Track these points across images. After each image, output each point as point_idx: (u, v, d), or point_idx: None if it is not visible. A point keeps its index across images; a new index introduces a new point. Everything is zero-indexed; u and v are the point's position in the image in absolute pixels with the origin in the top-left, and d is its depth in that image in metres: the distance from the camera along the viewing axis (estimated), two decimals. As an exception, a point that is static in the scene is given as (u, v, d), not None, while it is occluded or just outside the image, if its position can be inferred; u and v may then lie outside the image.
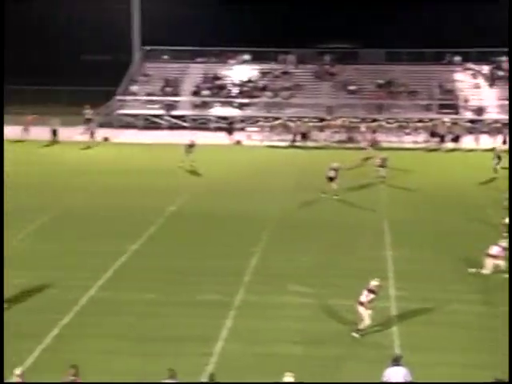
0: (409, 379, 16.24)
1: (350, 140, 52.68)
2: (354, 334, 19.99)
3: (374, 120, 55.21)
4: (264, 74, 63.85)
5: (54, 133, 52.22)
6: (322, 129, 53.52)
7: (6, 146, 48.98)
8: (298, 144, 51.51)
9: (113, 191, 37.00)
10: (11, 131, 52.89)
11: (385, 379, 16.25)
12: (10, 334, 19.88)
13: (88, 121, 56.58)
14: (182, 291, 23.33)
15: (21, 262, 25.69)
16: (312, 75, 63.41)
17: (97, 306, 22.10)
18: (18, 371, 15.03)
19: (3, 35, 65.73)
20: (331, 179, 35.93)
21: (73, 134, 53.68)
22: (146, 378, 17.06)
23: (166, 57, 67.36)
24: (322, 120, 55.05)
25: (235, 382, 17.32)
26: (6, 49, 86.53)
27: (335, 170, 36.05)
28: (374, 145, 48.36)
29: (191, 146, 43.06)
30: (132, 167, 43.27)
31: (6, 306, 21.63)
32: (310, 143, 51.64)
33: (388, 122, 54.56)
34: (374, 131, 52.16)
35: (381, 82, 61.28)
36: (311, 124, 53.61)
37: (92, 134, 52.09)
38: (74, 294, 22.79)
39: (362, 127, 53.05)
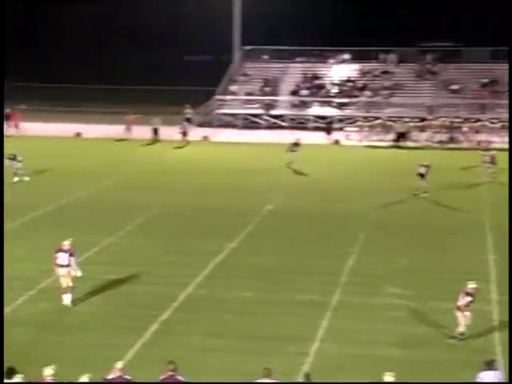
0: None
1: (452, 140, 51.83)
2: (450, 340, 19.65)
3: (477, 120, 54.21)
4: (364, 73, 63.43)
5: (156, 132, 53.12)
6: (422, 129, 52.84)
7: (108, 145, 50.28)
8: (398, 144, 50.98)
9: (212, 190, 37.37)
10: (114, 130, 54.16)
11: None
12: (111, 328, 20.39)
13: (188, 120, 57.43)
14: (279, 290, 23.40)
15: (123, 258, 26.29)
16: (413, 74, 62.64)
17: (195, 303, 22.38)
18: (119, 365, 15.36)
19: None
20: (422, 176, 35.69)
21: (173, 133, 54.44)
22: (243, 377, 17.17)
23: (265, 57, 67.62)
24: (422, 120, 54.36)
25: (331, 382, 17.27)
26: (112, 49, 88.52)
27: (426, 166, 35.72)
28: (481, 146, 47.45)
29: (296, 144, 43.05)
30: (231, 166, 43.65)
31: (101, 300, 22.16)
32: (410, 143, 51.06)
33: (491, 122, 53.48)
34: (477, 131, 51.23)
35: (485, 81, 60.03)
36: (411, 124, 52.99)
37: (185, 134, 52.44)
38: (173, 290, 23.16)
39: (465, 127, 52.17)
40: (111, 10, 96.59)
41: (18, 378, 14.61)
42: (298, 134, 50.55)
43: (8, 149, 40.14)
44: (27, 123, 55.55)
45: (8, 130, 55.33)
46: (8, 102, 62.28)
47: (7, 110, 56.50)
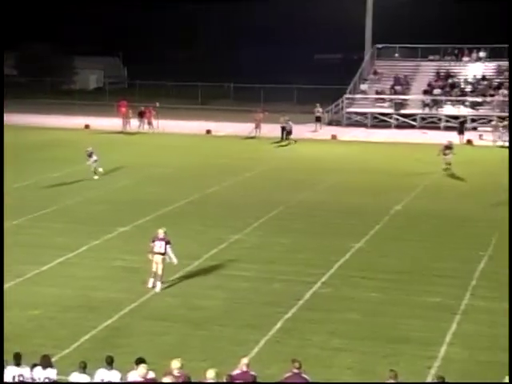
0: None
1: None
2: None
3: None
4: (500, 71, 61.76)
5: (285, 130, 53.39)
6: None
7: (237, 142, 50.92)
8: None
9: (340, 189, 37.28)
10: (244, 128, 54.81)
11: None
12: (237, 324, 20.62)
13: (318, 119, 57.63)
14: (406, 292, 23.08)
15: (248, 255, 26.54)
16: (552, 72, 60.55)
17: (320, 302, 22.33)
18: (244, 360, 15.51)
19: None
20: None
21: (303, 131, 54.65)
22: (367, 378, 17.04)
23: (396, 55, 66.93)
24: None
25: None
26: (242, 48, 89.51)
27: None
28: None
29: (449, 147, 41.87)
30: (359, 165, 43.42)
31: (227, 297, 22.42)
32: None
33: None
34: None
35: None
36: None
37: (289, 133, 52.10)
38: (299, 288, 23.20)
39: None
40: (242, 9, 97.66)
41: (143, 368, 14.97)
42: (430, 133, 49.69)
43: (144, 145, 41.30)
44: (160, 120, 56.98)
45: (142, 127, 56.95)
46: (142, 99, 64.11)
47: (141, 108, 58.10)
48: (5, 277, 23.53)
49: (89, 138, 52.81)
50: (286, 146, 50.96)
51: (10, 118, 60.66)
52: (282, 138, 52.77)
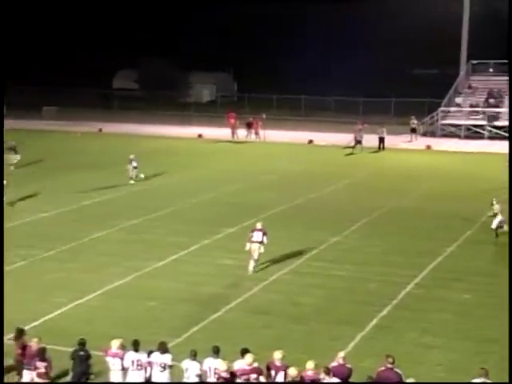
0: None
1: None
2: None
3: None
4: None
5: (381, 140, 52.89)
6: None
7: (337, 151, 50.69)
8: None
9: (433, 195, 36.65)
10: (343, 138, 54.54)
11: None
12: (334, 320, 20.53)
13: (413, 131, 57.01)
14: (496, 294, 22.46)
15: (346, 257, 26.39)
16: None
17: (413, 302, 22.01)
18: (341, 354, 15.46)
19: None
20: None
21: (398, 141, 54.04)
22: (457, 375, 16.70)
23: (491, 70, 65.45)
24: None
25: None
26: (342, 61, 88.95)
27: None
28: None
29: None
30: (452, 173, 42.65)
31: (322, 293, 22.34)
32: None
33: None
34: None
35: None
36: None
37: (359, 142, 51.59)
38: (392, 288, 22.93)
39: None
40: (340, 22, 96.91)
41: (249, 357, 15.09)
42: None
43: (251, 153, 41.65)
44: (266, 130, 57.29)
45: (249, 136, 57.38)
46: (250, 111, 64.63)
47: (249, 119, 58.53)
48: (125, 271, 24.12)
49: (201, 146, 53.62)
50: (375, 152, 50.59)
51: (132, 128, 62.19)
52: (379, 147, 52.33)
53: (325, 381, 14.65)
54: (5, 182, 34.28)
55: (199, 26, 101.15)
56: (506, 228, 28.81)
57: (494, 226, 28.79)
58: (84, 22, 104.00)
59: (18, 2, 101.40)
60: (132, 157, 39.24)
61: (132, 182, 38.69)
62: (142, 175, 39.28)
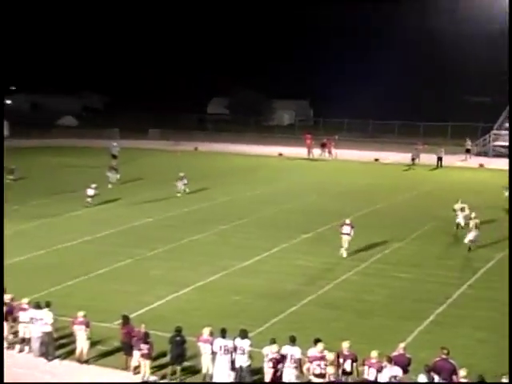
0: None
1: None
2: None
3: None
4: None
5: (439, 160, 51.89)
6: None
7: (399, 169, 49.99)
8: None
9: (485, 207, 35.37)
10: (404, 157, 53.77)
11: None
12: (395, 316, 20.19)
13: (468, 151, 56.02)
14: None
15: (407, 260, 25.95)
16: None
17: (466, 301, 21.47)
18: (402, 345, 15.24)
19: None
20: None
21: (454, 160, 52.99)
22: (504, 365, 16.18)
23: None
24: None
25: None
26: (404, 89, 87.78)
27: None
28: None
29: None
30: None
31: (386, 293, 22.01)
32: None
33: None
34: None
35: None
36: None
37: (414, 160, 51.06)
38: (448, 289, 22.43)
39: None
40: (400, 51, 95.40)
41: (321, 345, 15.02)
42: None
43: (324, 169, 41.43)
44: (338, 150, 56.97)
45: (323, 155, 57.15)
46: (324, 133, 64.45)
47: (323, 140, 58.31)
48: (215, 269, 24.28)
49: (281, 163, 53.69)
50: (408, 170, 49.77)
51: (223, 147, 62.71)
52: (438, 165, 51.42)
53: (387, 368, 14.46)
54: (110, 186, 35.09)
55: (282, 60, 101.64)
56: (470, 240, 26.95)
57: (466, 240, 27.01)
58: (184, 55, 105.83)
59: (123, 36, 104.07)
60: (182, 174, 38.86)
61: (179, 195, 37.85)
62: (187, 190, 38.37)
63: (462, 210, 30.28)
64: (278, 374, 15.01)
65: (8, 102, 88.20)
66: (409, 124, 69.13)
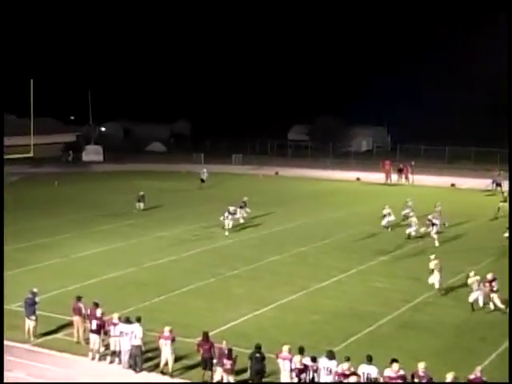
0: None
1: None
2: None
3: None
4: None
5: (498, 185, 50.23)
6: None
7: (476, 195, 48.61)
8: None
9: None
10: (480, 183, 52.40)
11: None
12: (470, 338, 19.62)
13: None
14: None
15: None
16: None
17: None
18: (479, 368, 14.82)
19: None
20: None
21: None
22: None
23: None
24: None
25: None
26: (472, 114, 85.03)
27: None
28: None
29: None
30: None
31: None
32: None
33: None
34: None
35: None
36: None
37: (499, 185, 48.95)
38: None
39: None
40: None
41: (396, 365, 14.75)
42: None
43: (401, 194, 40.79)
44: (415, 175, 56.09)
45: (400, 180, 56.37)
46: (401, 159, 63.62)
47: (400, 165, 57.52)
48: (294, 289, 24.25)
49: (359, 188, 53.27)
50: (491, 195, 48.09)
51: (302, 172, 62.75)
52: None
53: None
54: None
55: (360, 87, 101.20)
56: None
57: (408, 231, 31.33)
58: (267, 85, 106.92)
59: (209, 63, 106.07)
60: (245, 199, 37.44)
61: (242, 220, 36.31)
62: (242, 220, 36.26)
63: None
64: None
65: (103, 129, 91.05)
66: (485, 151, 67.47)
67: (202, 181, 51.31)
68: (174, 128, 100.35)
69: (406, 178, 56.25)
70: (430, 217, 33.07)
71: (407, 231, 32.99)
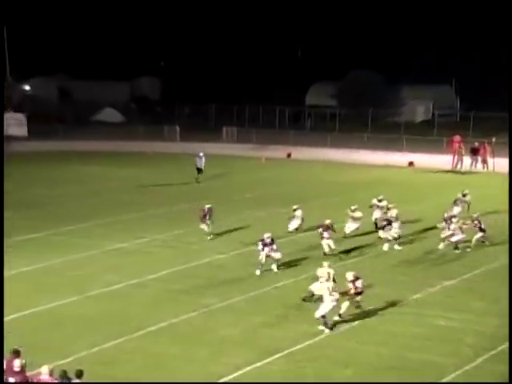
0: None
1: None
2: None
3: None
4: None
5: None
6: None
7: None
8: None
9: None
10: None
11: None
12: None
13: None
14: None
15: None
16: None
17: None
18: None
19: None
20: None
21: None
22: None
23: None
24: None
25: None
26: None
27: None
28: None
29: None
30: None
31: None
32: None
33: None
34: None
35: None
36: None
37: None
38: None
39: None
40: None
41: None
42: None
43: (476, 187, 41.08)
44: (496, 158, 55.91)
45: (474, 165, 56.38)
46: (476, 134, 63.55)
47: (475, 144, 57.49)
48: (312, 327, 24.25)
49: (413, 177, 53.35)
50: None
51: (326, 153, 62.84)
52: None
53: None
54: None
55: (412, 31, 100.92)
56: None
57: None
58: (271, 22, 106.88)
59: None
60: (296, 207, 37.26)
61: (295, 231, 36.85)
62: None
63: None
64: None
65: (26, 87, 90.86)
66: None
67: (199, 170, 51.92)
68: (136, 88, 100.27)
69: (484, 162, 56.35)
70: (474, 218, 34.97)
71: (452, 240, 33.67)
